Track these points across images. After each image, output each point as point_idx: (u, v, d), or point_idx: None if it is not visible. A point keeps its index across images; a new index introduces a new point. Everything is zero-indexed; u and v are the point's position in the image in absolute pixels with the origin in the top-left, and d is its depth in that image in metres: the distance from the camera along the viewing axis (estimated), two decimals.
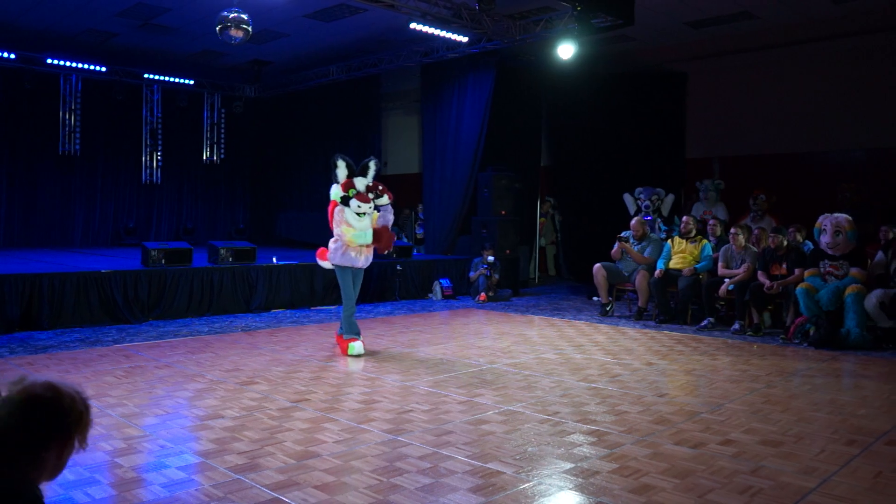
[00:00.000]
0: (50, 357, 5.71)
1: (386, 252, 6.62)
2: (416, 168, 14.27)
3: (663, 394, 4.72)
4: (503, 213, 10.76)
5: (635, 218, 8.93)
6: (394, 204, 6.17)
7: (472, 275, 10.19)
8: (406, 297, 10.18)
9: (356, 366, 5.58)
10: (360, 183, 5.89)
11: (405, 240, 12.75)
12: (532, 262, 12.76)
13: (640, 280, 8.27)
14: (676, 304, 8.14)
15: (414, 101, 13.92)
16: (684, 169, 11.81)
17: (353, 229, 5.85)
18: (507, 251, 10.72)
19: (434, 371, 5.40)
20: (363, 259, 6.02)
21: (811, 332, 6.63)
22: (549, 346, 6.47)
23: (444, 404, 4.37)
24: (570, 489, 3.00)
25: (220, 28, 8.93)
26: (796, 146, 10.69)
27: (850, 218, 6.85)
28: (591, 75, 11.77)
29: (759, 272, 7.31)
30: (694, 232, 8.25)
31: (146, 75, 13.90)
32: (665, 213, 10.12)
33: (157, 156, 14.57)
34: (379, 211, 6.06)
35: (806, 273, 6.93)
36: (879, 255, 7.05)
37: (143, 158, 14.47)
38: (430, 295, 10.43)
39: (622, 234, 8.69)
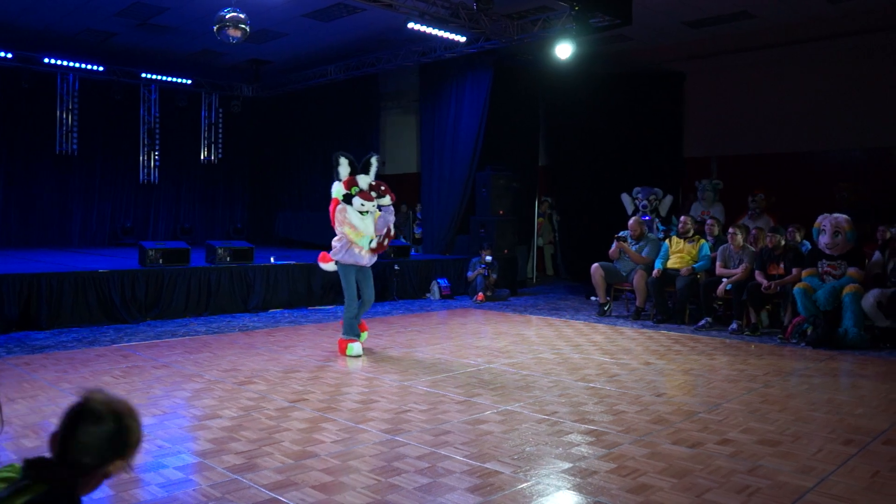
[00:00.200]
0: (47, 357, 5.70)
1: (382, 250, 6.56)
2: (415, 168, 14.27)
3: (661, 393, 4.73)
4: (501, 212, 10.77)
5: (633, 218, 8.94)
6: (393, 203, 6.11)
7: (470, 274, 10.19)
8: (404, 297, 10.18)
9: (354, 366, 5.58)
10: (363, 181, 5.83)
11: (403, 239, 12.74)
12: (530, 262, 12.77)
13: (638, 280, 8.27)
14: (674, 304, 8.15)
15: (412, 101, 13.92)
16: (683, 168, 11.82)
17: (358, 232, 5.77)
18: (505, 251, 10.72)
19: (432, 371, 5.39)
20: (368, 257, 5.95)
21: (809, 331, 6.64)
22: (546, 346, 6.47)
23: (441, 404, 4.37)
24: (567, 489, 3.01)
25: (219, 28, 8.93)
26: (795, 146, 10.70)
27: (849, 218, 6.84)
28: (589, 75, 11.77)
29: (757, 272, 7.31)
30: (692, 232, 8.26)
31: (144, 75, 13.89)
32: (663, 213, 10.13)
33: (155, 155, 14.56)
34: (381, 210, 5.99)
35: (803, 273, 6.93)
36: (877, 254, 7.06)
37: (141, 158, 14.46)
38: (427, 295, 10.43)
39: (620, 234, 8.70)
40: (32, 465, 1.69)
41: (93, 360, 5.61)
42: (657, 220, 10.04)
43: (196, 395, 4.52)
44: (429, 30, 9.71)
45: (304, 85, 14.18)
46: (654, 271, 8.11)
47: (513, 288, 10.76)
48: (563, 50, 9.32)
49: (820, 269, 6.85)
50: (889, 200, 9.56)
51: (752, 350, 6.45)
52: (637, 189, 10.27)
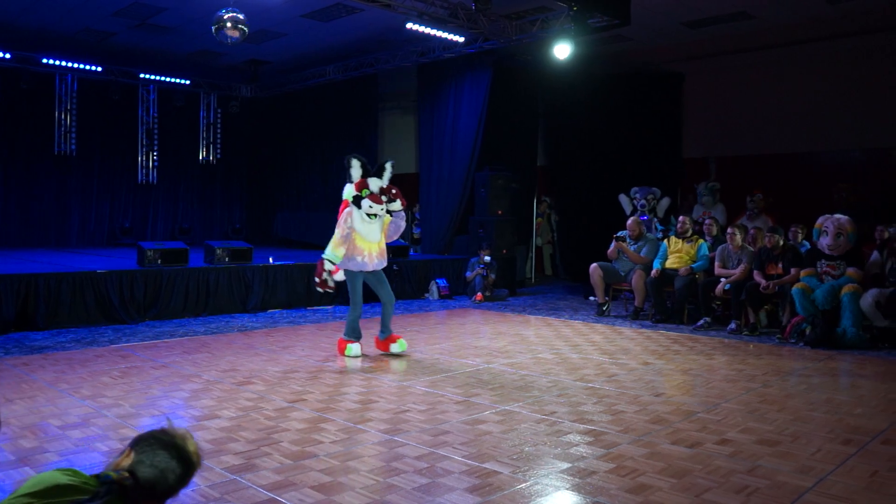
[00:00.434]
0: (46, 357, 5.69)
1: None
2: (413, 168, 14.27)
3: (660, 393, 4.73)
4: (500, 212, 10.77)
5: (632, 218, 8.94)
6: (404, 208, 5.97)
7: (469, 275, 10.19)
8: (403, 297, 10.16)
9: (353, 366, 5.57)
10: (374, 184, 5.70)
11: (402, 240, 12.73)
12: (529, 262, 12.77)
13: (637, 280, 8.27)
14: (673, 304, 8.15)
15: (411, 101, 13.92)
16: (681, 169, 11.82)
17: (358, 234, 5.68)
18: (504, 251, 10.73)
19: (430, 371, 5.39)
20: (374, 262, 5.81)
21: (807, 331, 6.64)
22: (545, 346, 6.47)
23: (440, 404, 4.36)
24: (566, 489, 3.00)
25: (217, 28, 8.92)
26: (794, 146, 10.71)
27: (851, 220, 6.84)
28: (588, 75, 11.77)
29: (755, 272, 7.31)
30: (690, 231, 8.26)
31: (142, 75, 13.88)
32: (660, 215, 10.14)
33: (154, 156, 14.55)
34: (392, 215, 5.90)
35: (802, 273, 6.93)
36: (875, 254, 7.06)
37: (140, 158, 14.45)
38: (426, 295, 10.43)
39: (619, 234, 8.70)
40: (111, 483, 1.76)
41: (91, 360, 5.60)
42: (656, 220, 10.05)
43: (194, 396, 4.52)
44: (427, 30, 9.72)
45: (302, 85, 14.18)
46: (653, 271, 8.12)
47: (511, 288, 10.77)
48: (562, 50, 9.32)
49: (819, 269, 6.85)
50: (888, 201, 9.57)
51: (751, 350, 6.45)
52: (635, 189, 10.28)
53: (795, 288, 6.78)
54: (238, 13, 8.86)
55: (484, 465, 3.26)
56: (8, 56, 12.14)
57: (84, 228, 13.89)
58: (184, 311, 8.02)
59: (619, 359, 5.92)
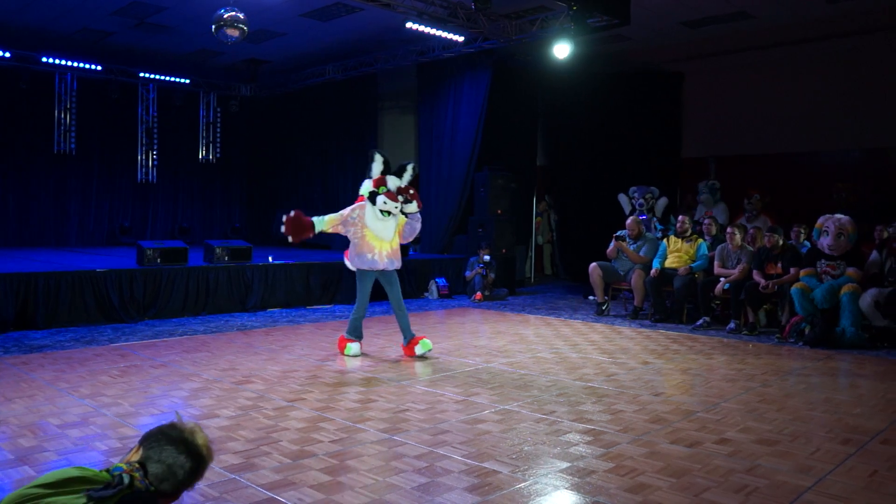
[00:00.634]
0: (45, 356, 5.69)
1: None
2: None
3: (659, 393, 4.73)
4: (499, 212, 10.77)
5: (631, 217, 8.95)
6: (419, 210, 5.90)
7: (468, 274, 10.19)
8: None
9: (352, 365, 5.57)
10: (392, 182, 5.63)
11: None
12: (528, 262, 12.78)
13: (636, 279, 8.28)
14: (672, 304, 8.16)
15: (410, 101, 13.91)
16: (681, 169, 11.83)
17: (370, 231, 5.63)
18: (504, 250, 10.73)
19: (430, 370, 5.39)
20: (385, 261, 5.73)
21: (806, 331, 6.65)
22: (545, 346, 6.47)
23: (440, 403, 4.37)
24: (566, 488, 3.00)
25: (216, 27, 8.92)
26: (793, 146, 10.71)
27: (852, 220, 6.84)
28: (588, 75, 11.78)
29: (755, 271, 7.32)
30: (690, 231, 8.27)
31: (142, 74, 13.86)
32: (659, 214, 10.14)
33: (153, 155, 14.53)
34: (407, 217, 5.84)
35: (801, 273, 6.93)
36: (874, 254, 7.07)
37: (139, 157, 14.43)
38: (426, 294, 10.43)
39: (619, 233, 8.71)
40: (122, 476, 1.77)
41: (90, 359, 5.60)
42: (655, 219, 10.06)
43: (194, 395, 4.52)
44: (427, 29, 9.71)
45: (302, 85, 14.17)
46: (652, 271, 8.12)
47: (511, 287, 10.77)
48: (562, 50, 9.32)
49: (819, 269, 6.85)
50: (887, 201, 9.57)
51: (750, 349, 6.45)
52: (633, 188, 10.30)
53: (794, 288, 6.79)
54: (237, 12, 8.85)
55: (483, 465, 3.26)
56: (7, 55, 12.12)
57: (83, 227, 13.88)
58: (183, 311, 8.02)
59: (619, 358, 5.92)
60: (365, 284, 5.81)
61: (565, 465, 3.27)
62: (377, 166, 5.66)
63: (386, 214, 5.64)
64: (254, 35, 10.78)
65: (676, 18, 10.23)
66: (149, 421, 3.90)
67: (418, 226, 5.95)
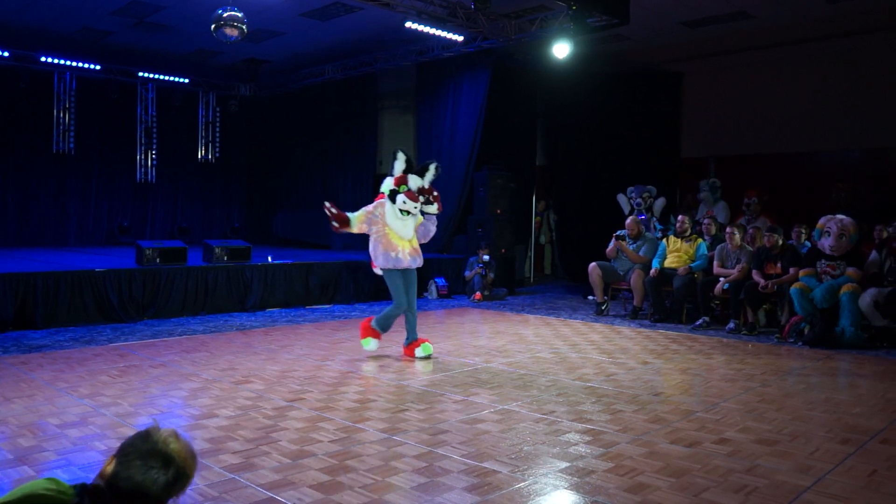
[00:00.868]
0: (44, 356, 5.68)
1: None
2: None
3: (658, 393, 4.73)
4: (499, 212, 10.77)
5: (630, 217, 8.95)
6: (439, 213, 5.85)
7: (468, 274, 10.19)
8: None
9: (351, 365, 5.57)
10: (414, 181, 5.56)
11: None
12: (528, 262, 12.77)
13: (636, 279, 8.28)
14: (672, 304, 8.15)
15: (410, 101, 13.91)
16: (681, 169, 11.82)
17: (391, 231, 5.58)
18: (503, 250, 10.72)
19: (429, 370, 5.39)
20: (409, 259, 5.66)
21: (806, 330, 6.65)
22: (544, 345, 6.47)
23: (439, 403, 4.36)
24: (565, 488, 3.00)
25: (215, 26, 8.91)
26: (793, 146, 10.71)
27: (854, 221, 6.83)
28: (587, 75, 11.77)
29: (754, 271, 7.32)
30: (689, 231, 8.27)
31: (141, 74, 13.85)
32: (657, 214, 10.14)
33: (152, 154, 14.52)
34: (424, 217, 5.77)
35: (801, 273, 6.93)
36: (874, 254, 7.06)
37: (138, 157, 14.42)
38: (425, 294, 10.42)
39: (619, 233, 8.70)
40: (89, 494, 1.65)
41: (90, 359, 5.60)
42: (654, 219, 10.06)
43: (193, 395, 4.51)
44: (426, 29, 9.71)
45: (301, 84, 14.16)
46: (652, 270, 8.12)
47: (510, 287, 10.77)
48: (561, 49, 9.32)
49: (819, 269, 6.85)
50: (887, 201, 9.57)
51: (750, 349, 6.45)
52: (631, 188, 10.30)
53: (794, 288, 6.79)
54: (236, 12, 8.85)
55: (483, 465, 3.26)
56: (6, 55, 12.11)
57: (83, 227, 13.87)
58: (182, 310, 8.02)
59: (618, 358, 5.92)
60: (395, 282, 5.67)
61: (565, 464, 3.27)
62: (399, 164, 5.60)
63: (405, 214, 5.58)
64: (253, 35, 10.78)
65: (676, 18, 10.22)
66: (148, 421, 3.89)
67: (433, 228, 5.88)
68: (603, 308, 8.62)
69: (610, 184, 11.07)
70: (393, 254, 5.60)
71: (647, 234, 8.85)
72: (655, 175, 10.97)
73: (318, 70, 13.50)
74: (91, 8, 10.30)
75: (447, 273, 10.70)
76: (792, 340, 6.76)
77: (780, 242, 7.34)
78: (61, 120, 13.30)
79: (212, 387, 4.73)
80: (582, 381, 5.04)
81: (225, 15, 8.82)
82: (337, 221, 5.57)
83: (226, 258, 8.68)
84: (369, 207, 5.69)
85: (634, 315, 8.33)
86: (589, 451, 3.47)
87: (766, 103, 10.88)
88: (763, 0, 9.39)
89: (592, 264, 8.69)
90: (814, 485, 3.05)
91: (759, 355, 6.15)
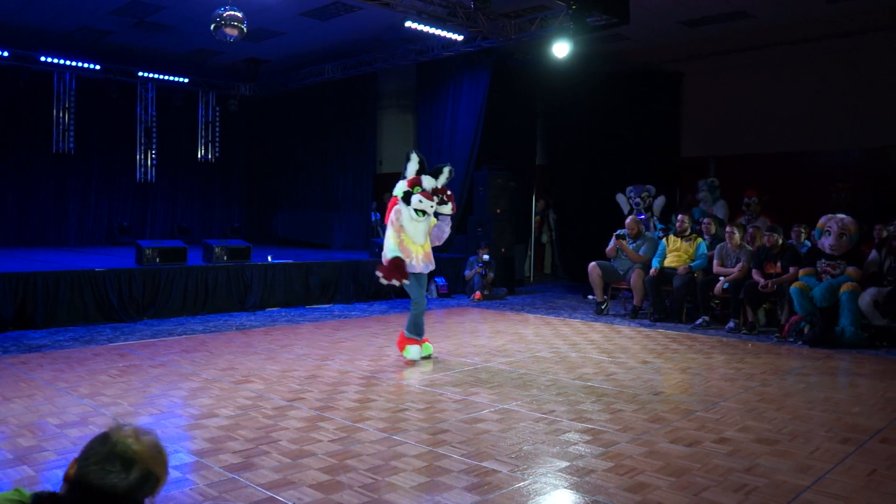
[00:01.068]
0: (44, 356, 5.68)
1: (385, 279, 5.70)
2: None
3: (658, 392, 4.73)
4: (498, 211, 10.77)
5: (630, 216, 8.95)
6: (452, 214, 5.80)
7: (468, 273, 10.19)
8: (402, 296, 10.15)
9: (351, 365, 5.57)
10: (428, 182, 5.53)
11: None
12: (527, 261, 12.77)
13: (636, 278, 8.28)
14: (671, 303, 8.16)
15: (410, 100, 13.91)
16: (680, 168, 11.82)
17: (406, 236, 5.53)
18: (503, 250, 10.72)
19: (429, 369, 5.39)
20: (421, 264, 5.64)
21: (806, 330, 6.65)
22: (544, 345, 6.47)
23: (439, 403, 4.36)
24: (565, 488, 3.00)
25: (215, 26, 8.91)
26: (792, 146, 10.70)
27: (855, 221, 6.83)
28: (587, 74, 11.77)
29: (754, 270, 7.32)
30: (689, 230, 8.27)
31: (141, 73, 13.85)
32: (657, 213, 10.14)
33: (152, 154, 14.52)
34: (437, 219, 5.73)
35: (801, 272, 6.93)
36: (873, 253, 7.07)
37: (138, 157, 14.42)
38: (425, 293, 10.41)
39: (619, 232, 8.70)
40: (45, 501, 1.57)
41: (89, 359, 5.60)
42: (654, 218, 10.06)
43: (193, 394, 4.51)
44: (426, 28, 9.71)
45: (301, 84, 14.16)
46: (652, 270, 8.12)
47: (510, 287, 10.77)
48: (561, 49, 9.32)
49: (819, 269, 6.85)
50: (886, 200, 9.57)
51: (750, 349, 6.45)
52: (630, 188, 10.30)
53: (794, 287, 6.79)
54: (236, 11, 8.85)
55: (482, 464, 3.26)
56: (6, 54, 12.11)
57: (82, 227, 13.87)
58: (182, 310, 8.02)
59: (618, 357, 5.92)
60: (411, 286, 5.67)
61: (564, 464, 3.27)
62: (413, 166, 5.57)
63: (421, 214, 5.52)
64: (253, 34, 10.78)
65: (676, 18, 10.22)
66: (148, 420, 3.90)
67: (447, 229, 5.84)
68: (603, 307, 8.63)
69: (610, 183, 11.07)
70: (407, 260, 5.57)
71: (646, 233, 8.85)
72: (655, 175, 10.96)
73: (318, 70, 13.49)
74: (91, 7, 10.30)
75: (447, 272, 10.70)
76: (792, 340, 6.77)
77: (780, 242, 7.34)
78: (61, 120, 13.30)
79: (212, 386, 4.73)
80: (582, 380, 5.04)
81: (225, 14, 8.82)
82: (400, 272, 5.51)
83: (226, 258, 8.68)
84: (393, 222, 5.57)
85: (634, 314, 8.33)
86: (589, 450, 3.47)
87: (765, 103, 10.87)
88: (763, 0, 9.39)
89: (592, 264, 8.69)
90: (813, 484, 3.05)
91: (759, 355, 6.15)
